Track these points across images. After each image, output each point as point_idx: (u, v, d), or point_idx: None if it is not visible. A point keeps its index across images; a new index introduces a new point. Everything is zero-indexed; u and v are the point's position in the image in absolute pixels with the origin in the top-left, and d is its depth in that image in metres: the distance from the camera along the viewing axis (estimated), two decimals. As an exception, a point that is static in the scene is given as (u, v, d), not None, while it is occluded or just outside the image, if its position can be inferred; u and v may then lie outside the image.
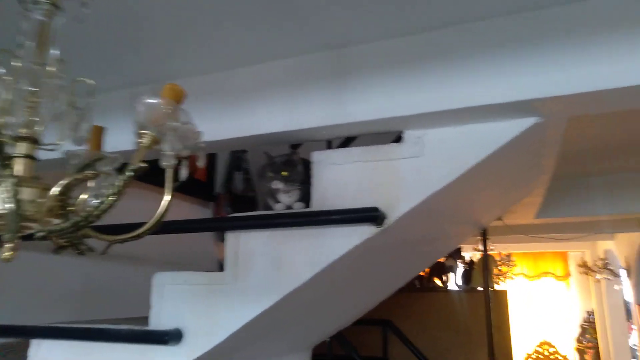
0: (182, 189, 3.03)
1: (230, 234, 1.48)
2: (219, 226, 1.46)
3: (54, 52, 0.74)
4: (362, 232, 1.31)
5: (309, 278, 1.35)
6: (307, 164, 1.45)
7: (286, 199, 1.44)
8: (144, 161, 0.74)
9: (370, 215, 1.27)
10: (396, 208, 1.30)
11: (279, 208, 1.45)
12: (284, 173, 1.37)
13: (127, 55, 1.43)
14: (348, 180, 1.38)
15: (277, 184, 1.38)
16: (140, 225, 0.80)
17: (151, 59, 1.44)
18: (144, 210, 1.23)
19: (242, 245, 1.46)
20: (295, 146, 1.53)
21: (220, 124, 1.45)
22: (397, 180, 1.32)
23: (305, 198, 1.45)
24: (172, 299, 1.52)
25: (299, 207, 1.44)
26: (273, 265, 1.41)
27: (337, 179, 1.40)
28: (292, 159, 1.41)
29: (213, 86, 1.50)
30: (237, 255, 1.46)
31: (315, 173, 1.43)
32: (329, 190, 1.40)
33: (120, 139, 1.61)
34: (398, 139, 1.37)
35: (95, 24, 1.25)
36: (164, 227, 1.74)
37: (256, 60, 1.42)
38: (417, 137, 1.33)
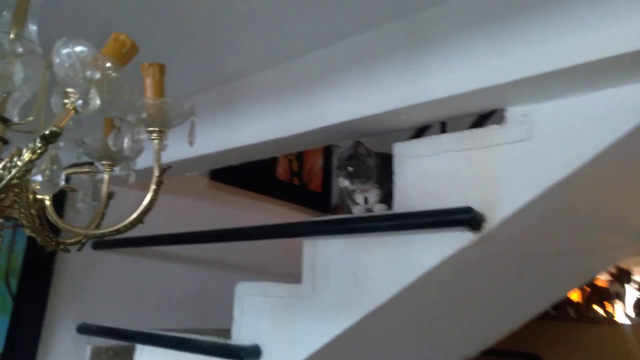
0: (297, 200, 2.98)
1: (307, 242, 1.32)
2: (292, 231, 1.30)
3: (32, 27, 0.65)
4: (454, 240, 1.04)
5: (392, 296, 1.12)
6: (388, 159, 1.22)
7: (362, 199, 1.23)
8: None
9: (463, 218, 1.00)
10: (498, 208, 1.00)
11: (357, 211, 1.25)
12: (349, 168, 1.17)
13: (182, 56, 1.36)
14: (437, 175, 1.12)
15: (343, 182, 1.18)
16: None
17: (208, 57, 1.35)
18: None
19: (319, 253, 1.28)
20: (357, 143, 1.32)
21: (283, 120, 1.30)
22: (499, 173, 1.02)
23: (389, 199, 1.22)
24: (251, 311, 1.41)
25: (380, 210, 1.21)
26: (351, 278, 1.20)
27: (424, 174, 1.14)
28: (357, 151, 1.20)
29: (274, 81, 1.36)
30: (314, 265, 1.29)
31: (397, 168, 1.19)
32: (414, 189, 1.15)
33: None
34: (499, 120, 1.07)
35: (153, 21, 1.20)
36: (234, 234, 1.66)
37: (319, 44, 1.25)
38: (523, 114, 1.02)
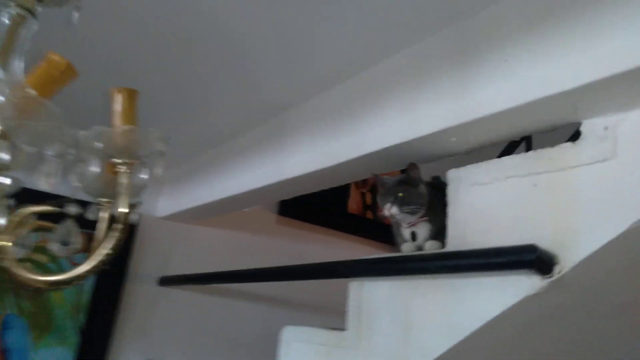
0: (371, 235, 2.83)
1: (353, 283, 1.17)
2: (333, 272, 1.17)
3: (19, 64, 0.62)
4: (517, 286, 0.84)
5: (445, 351, 0.93)
6: (441, 189, 1.05)
7: (409, 235, 1.06)
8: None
9: (527, 259, 0.80)
10: (573, 247, 0.79)
11: (405, 249, 1.08)
12: (399, 194, 1.01)
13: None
14: (498, 205, 0.93)
15: (389, 209, 1.02)
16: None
17: (246, 91, 1.29)
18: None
19: (365, 296, 1.13)
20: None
21: (326, 149, 1.19)
22: (574, 202, 0.82)
23: (442, 235, 1.04)
24: (296, 358, 1.28)
25: (431, 247, 1.04)
26: (399, 327, 1.03)
27: (482, 205, 0.96)
28: (409, 175, 1.05)
29: (317, 110, 1.27)
30: (359, 309, 1.14)
31: (452, 199, 1.02)
32: (471, 222, 0.97)
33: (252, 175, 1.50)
34: (574, 136, 0.87)
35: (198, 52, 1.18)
36: (259, 274, 1.55)
37: (360, 66, 1.14)
38: (604, 128, 0.81)
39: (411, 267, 0.99)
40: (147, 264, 1.97)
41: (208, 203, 1.67)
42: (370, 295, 1.13)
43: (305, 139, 1.29)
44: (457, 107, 0.93)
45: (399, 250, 1.16)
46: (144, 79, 1.28)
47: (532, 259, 0.79)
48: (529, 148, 1.01)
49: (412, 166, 1.04)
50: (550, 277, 0.80)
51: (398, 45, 1.05)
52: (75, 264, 1.72)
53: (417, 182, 1.04)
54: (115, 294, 1.85)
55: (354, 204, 2.84)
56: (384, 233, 2.90)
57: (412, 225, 1.05)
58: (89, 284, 1.80)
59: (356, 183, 2.91)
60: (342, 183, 1.32)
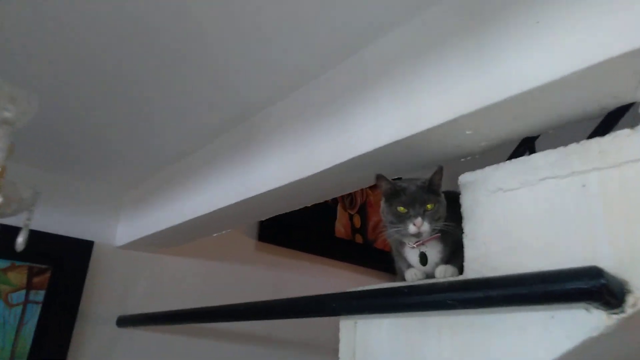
0: (362, 261, 2.59)
1: (344, 321, 0.93)
2: (319, 308, 0.92)
3: None
4: (572, 325, 0.61)
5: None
6: (452, 197, 0.83)
7: (416, 258, 0.82)
8: None
9: (586, 288, 0.57)
10: (651, 268, 0.57)
11: (411, 277, 0.84)
12: (429, 205, 0.79)
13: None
14: (530, 216, 0.71)
15: (419, 224, 0.78)
16: None
17: (219, 87, 1.07)
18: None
19: (360, 338, 0.89)
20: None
21: (305, 155, 0.97)
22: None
23: (457, 258, 0.81)
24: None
25: (445, 274, 0.80)
26: (406, 380, 0.79)
27: (509, 217, 0.73)
28: (433, 181, 0.82)
29: (293, 109, 1.05)
30: (352, 354, 0.89)
31: (467, 210, 0.79)
32: (494, 240, 0.74)
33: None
34: (633, 121, 0.65)
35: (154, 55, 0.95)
36: (240, 312, 1.29)
37: (347, 51, 0.92)
38: (678, 105, 0.60)
39: (420, 302, 0.75)
40: (102, 301, 1.69)
41: (170, 228, 1.42)
42: (367, 337, 0.88)
43: (278, 146, 1.06)
44: (474, 89, 0.71)
45: (399, 279, 0.92)
46: (85, 92, 1.06)
47: (594, 287, 0.56)
48: (532, 152, 0.80)
49: (439, 170, 0.82)
50: (620, 312, 0.57)
51: (392, 21, 0.84)
52: (11, 304, 1.43)
53: (439, 191, 0.82)
54: (63, 339, 1.56)
55: (341, 227, 2.60)
56: (376, 259, 2.68)
57: (420, 244, 0.81)
58: (30, 326, 1.51)
59: (343, 204, 2.68)
60: (324, 198, 1.09)
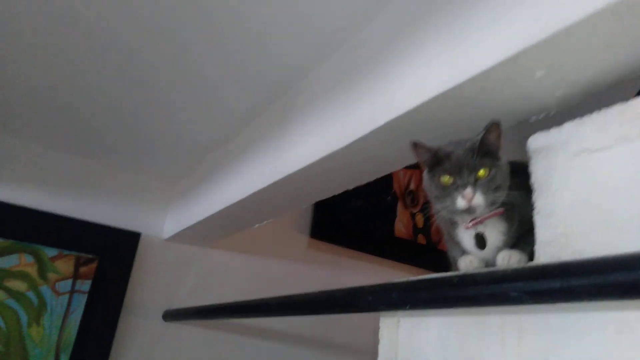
0: (423, 263, 2.39)
1: (385, 319, 0.78)
2: (351, 302, 0.78)
3: None
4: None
5: None
6: (517, 168, 0.65)
7: (471, 241, 0.66)
8: None
9: None
10: None
11: (465, 265, 0.67)
12: (482, 170, 0.62)
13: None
14: (626, 184, 0.53)
15: (469, 195, 0.61)
16: None
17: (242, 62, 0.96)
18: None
19: (403, 340, 0.74)
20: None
21: (342, 123, 0.83)
22: None
23: (525, 242, 0.63)
24: None
25: (508, 261, 0.63)
26: (460, 394, 0.62)
27: (596, 185, 0.55)
28: (490, 140, 0.64)
29: (329, 76, 0.91)
30: (395, 357, 0.74)
31: (540, 181, 0.62)
32: (577, 216, 0.56)
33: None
34: None
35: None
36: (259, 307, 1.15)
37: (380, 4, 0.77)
38: None
39: (473, 295, 0.58)
40: (149, 294, 1.65)
41: (209, 217, 1.34)
42: (412, 338, 0.73)
43: (314, 118, 0.93)
44: (545, 7, 0.54)
45: (453, 270, 0.75)
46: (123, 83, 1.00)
47: None
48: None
49: (494, 125, 0.64)
50: None
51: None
52: (58, 292, 1.42)
53: (497, 152, 0.65)
54: (108, 330, 1.53)
55: (402, 227, 2.43)
56: (440, 261, 2.46)
57: (476, 223, 0.65)
58: (76, 316, 1.49)
59: (404, 202, 2.50)
60: (369, 177, 0.94)
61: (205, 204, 1.40)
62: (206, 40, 0.92)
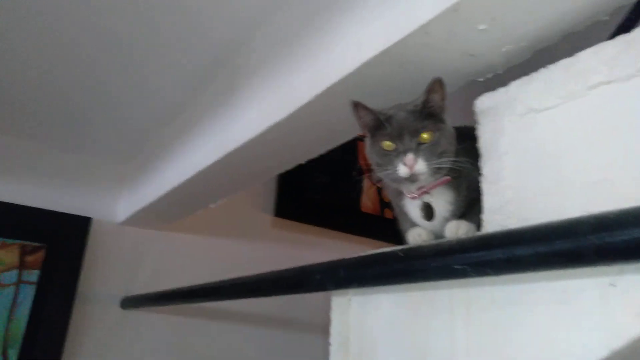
0: (392, 238, 2.38)
1: (336, 298, 0.74)
2: (298, 282, 0.73)
3: None
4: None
5: None
6: (463, 132, 0.61)
7: (418, 212, 0.62)
8: None
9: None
10: None
11: (414, 237, 0.63)
12: (424, 134, 0.58)
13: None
14: (573, 144, 0.49)
15: (410, 161, 0.56)
16: None
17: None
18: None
19: (354, 319, 0.70)
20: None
21: (283, 92, 0.77)
22: None
23: (472, 211, 0.60)
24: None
25: (455, 232, 0.59)
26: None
27: (543, 147, 0.52)
28: (430, 99, 0.59)
29: (267, 44, 0.84)
30: (347, 338, 0.70)
31: (486, 146, 0.58)
32: (524, 180, 0.53)
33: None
34: None
35: None
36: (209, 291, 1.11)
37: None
38: None
39: (418, 268, 0.55)
40: (104, 282, 1.57)
41: (160, 198, 1.27)
42: (363, 317, 0.69)
43: (257, 89, 0.87)
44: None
45: (404, 244, 0.72)
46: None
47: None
48: None
49: (437, 84, 0.58)
50: None
51: None
52: (3, 284, 1.33)
53: (442, 115, 0.60)
54: (60, 322, 1.46)
55: (368, 202, 2.40)
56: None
57: (423, 193, 0.60)
58: (23, 309, 1.41)
59: (371, 177, 2.47)
60: (316, 150, 0.89)
61: (155, 185, 1.32)
62: (139, 20, 0.84)
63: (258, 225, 1.96)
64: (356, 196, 2.33)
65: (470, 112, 0.61)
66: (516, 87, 0.56)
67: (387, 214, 2.45)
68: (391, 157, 0.58)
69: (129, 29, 0.88)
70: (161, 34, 0.90)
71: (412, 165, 0.56)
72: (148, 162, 1.45)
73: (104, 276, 1.58)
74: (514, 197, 0.54)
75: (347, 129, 0.78)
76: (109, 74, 1.07)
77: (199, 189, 1.17)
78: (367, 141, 0.63)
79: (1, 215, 1.43)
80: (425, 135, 0.57)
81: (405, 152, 0.57)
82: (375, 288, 0.67)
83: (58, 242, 1.50)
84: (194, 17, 0.84)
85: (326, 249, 2.12)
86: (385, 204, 2.47)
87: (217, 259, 1.81)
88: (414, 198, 0.61)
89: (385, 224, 2.42)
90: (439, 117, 0.59)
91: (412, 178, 0.57)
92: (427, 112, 0.58)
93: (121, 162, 1.63)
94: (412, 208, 0.63)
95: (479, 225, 0.58)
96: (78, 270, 1.52)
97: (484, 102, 0.59)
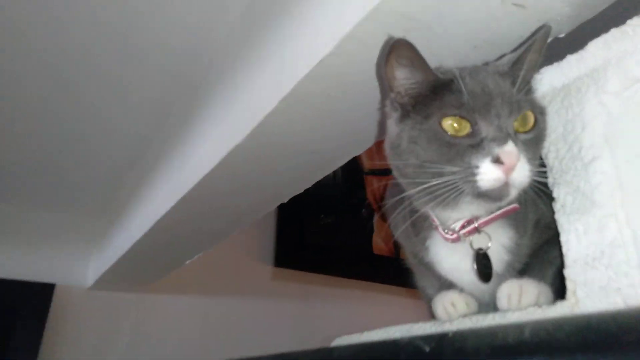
0: (404, 281, 2.10)
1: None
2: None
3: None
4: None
5: None
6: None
7: (461, 267, 0.37)
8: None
9: None
10: None
11: (442, 310, 0.38)
12: (526, 108, 0.32)
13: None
14: None
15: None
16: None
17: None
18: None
19: None
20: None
21: (246, 105, 0.54)
22: None
23: (547, 261, 0.35)
24: None
25: (517, 301, 0.34)
26: None
27: None
28: (522, 57, 0.34)
29: (234, 43, 0.63)
30: None
31: (557, 145, 0.34)
32: (636, 200, 0.29)
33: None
34: None
35: None
36: None
37: None
38: None
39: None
40: (71, 357, 1.32)
41: (126, 254, 1.04)
42: None
43: (215, 108, 0.65)
44: None
45: (428, 312, 0.46)
46: None
47: None
48: None
49: (543, 38, 0.35)
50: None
51: None
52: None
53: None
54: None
55: (381, 242, 2.15)
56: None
57: (472, 230, 0.34)
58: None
59: (383, 215, 2.22)
60: (297, 185, 0.65)
61: (121, 241, 1.10)
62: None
63: (257, 277, 1.71)
64: (367, 237, 2.08)
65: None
66: (603, 49, 0.33)
67: (403, 254, 2.19)
68: (464, 149, 0.33)
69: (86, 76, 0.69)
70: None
71: (513, 163, 0.31)
72: (117, 216, 1.23)
73: (71, 350, 1.33)
74: (623, 234, 0.30)
75: (341, 147, 0.55)
76: (72, 121, 0.88)
77: (165, 241, 0.93)
78: (399, 125, 0.37)
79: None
80: (529, 118, 0.32)
81: (497, 140, 0.32)
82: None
83: (15, 313, 1.27)
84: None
85: (334, 300, 1.86)
86: (399, 244, 2.22)
87: (210, 321, 1.55)
88: (454, 241, 0.36)
89: (401, 266, 2.16)
90: (530, 95, 0.34)
91: (502, 191, 0.32)
92: (528, 82, 0.34)
93: (90, 218, 1.41)
94: (448, 257, 0.37)
95: (557, 290, 0.34)
96: (37, 344, 1.27)
97: (551, 79, 0.36)
